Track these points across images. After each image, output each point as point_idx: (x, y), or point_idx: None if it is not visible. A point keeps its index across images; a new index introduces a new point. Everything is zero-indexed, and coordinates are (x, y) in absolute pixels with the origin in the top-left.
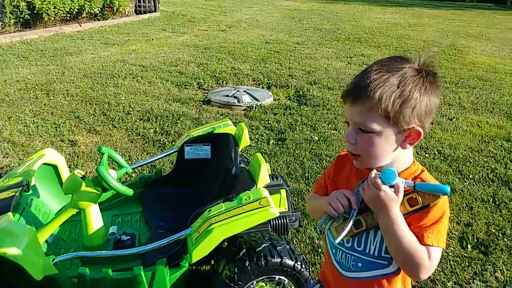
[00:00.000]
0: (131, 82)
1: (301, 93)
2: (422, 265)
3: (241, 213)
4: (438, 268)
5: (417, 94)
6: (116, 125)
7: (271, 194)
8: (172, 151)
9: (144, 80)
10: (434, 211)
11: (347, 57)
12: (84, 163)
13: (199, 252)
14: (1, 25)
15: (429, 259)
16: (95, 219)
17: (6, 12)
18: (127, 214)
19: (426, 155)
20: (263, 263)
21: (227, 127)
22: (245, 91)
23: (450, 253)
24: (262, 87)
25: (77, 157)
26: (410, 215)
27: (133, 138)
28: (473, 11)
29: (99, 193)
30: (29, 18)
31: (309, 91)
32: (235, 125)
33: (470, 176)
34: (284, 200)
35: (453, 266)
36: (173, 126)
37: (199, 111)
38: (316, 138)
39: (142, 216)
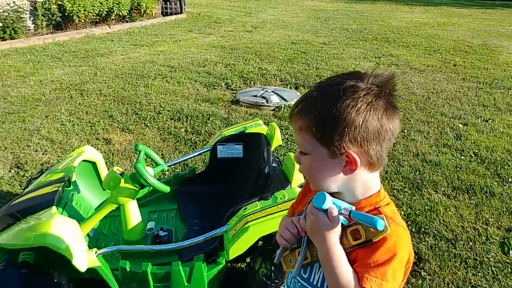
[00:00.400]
0: (161, 83)
1: None
2: None
3: (277, 212)
4: (480, 274)
5: (354, 116)
6: (148, 124)
7: None
8: (205, 150)
9: (173, 81)
10: (381, 250)
11: (376, 57)
12: (119, 160)
13: (235, 249)
14: (34, 27)
15: None
16: (134, 214)
17: (38, 14)
18: (163, 211)
19: (462, 157)
20: None
21: (258, 127)
22: (273, 91)
23: (491, 259)
24: (290, 88)
25: (112, 155)
26: (354, 249)
27: (165, 137)
28: (504, 10)
29: (137, 189)
30: (61, 20)
31: None
32: (266, 125)
33: (510, 180)
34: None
35: (495, 272)
36: (203, 126)
37: (228, 111)
38: None
39: (177, 213)
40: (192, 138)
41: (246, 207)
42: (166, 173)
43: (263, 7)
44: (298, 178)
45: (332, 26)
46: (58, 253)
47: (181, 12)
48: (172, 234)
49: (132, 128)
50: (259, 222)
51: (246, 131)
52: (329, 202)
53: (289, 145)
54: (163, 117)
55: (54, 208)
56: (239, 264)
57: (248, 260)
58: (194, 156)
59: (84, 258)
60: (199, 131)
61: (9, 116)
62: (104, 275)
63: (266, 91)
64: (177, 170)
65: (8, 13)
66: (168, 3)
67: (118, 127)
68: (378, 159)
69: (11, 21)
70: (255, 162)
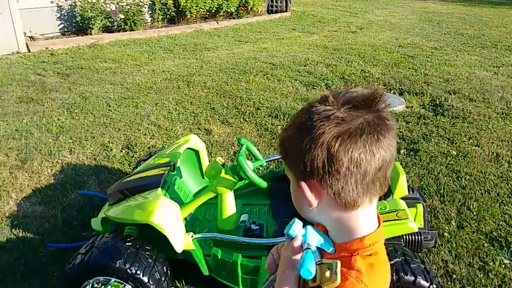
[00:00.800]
0: (262, 79)
1: (437, 102)
2: None
3: (389, 220)
4: None
5: (315, 146)
6: (247, 119)
7: (407, 207)
8: None
9: (274, 78)
10: None
11: (494, 67)
12: (217, 151)
13: None
14: (151, 20)
15: None
16: (230, 205)
17: (156, 9)
18: (256, 205)
19: None
20: (394, 278)
21: None
22: None
23: None
24: (394, 93)
25: (211, 145)
26: None
27: (261, 133)
28: None
29: (235, 181)
30: (175, 15)
31: (447, 101)
32: None
33: None
34: (420, 215)
35: None
36: None
37: None
38: (454, 152)
39: (269, 209)
40: None
41: None
42: (260, 168)
43: (370, 8)
44: (401, 190)
45: (445, 30)
46: (159, 232)
47: (286, 10)
48: (263, 229)
49: (231, 121)
50: None
51: None
52: (297, 230)
53: None
54: (261, 113)
55: (159, 189)
56: None
57: None
58: None
59: (181, 240)
60: None
61: (124, 101)
62: (197, 259)
63: None
64: (271, 166)
65: (131, 7)
66: (274, 1)
67: (218, 119)
68: (344, 198)
69: (132, 14)
70: None
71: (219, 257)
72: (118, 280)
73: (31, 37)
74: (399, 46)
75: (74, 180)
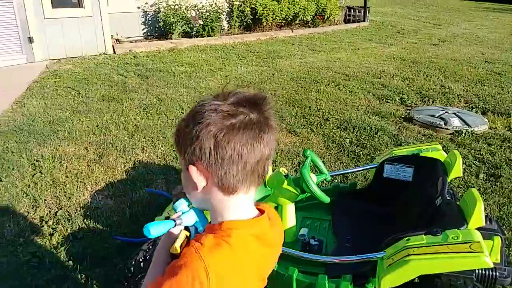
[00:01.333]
0: (333, 90)
1: None
2: None
3: (446, 252)
4: None
5: (203, 134)
6: (314, 130)
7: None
8: (371, 166)
9: (346, 89)
10: (170, 265)
11: None
12: (281, 160)
13: (389, 281)
14: (228, 27)
15: None
16: (290, 217)
17: (233, 16)
18: (316, 219)
19: None
20: None
21: (435, 152)
22: (454, 113)
23: None
24: (476, 112)
25: (276, 154)
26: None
27: (328, 145)
28: None
29: (297, 193)
30: (251, 22)
31: None
32: (446, 151)
33: None
34: (497, 249)
35: None
36: (370, 140)
37: (399, 128)
38: None
39: (330, 225)
40: (356, 151)
41: (410, 238)
42: (325, 182)
43: (455, 20)
44: (477, 219)
45: None
46: None
47: (364, 20)
48: (322, 245)
49: (298, 131)
50: (422, 259)
51: (421, 154)
52: (180, 207)
53: (465, 177)
54: (330, 125)
55: None
56: None
57: None
58: (359, 171)
59: None
60: (365, 145)
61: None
62: None
63: (446, 112)
64: (336, 181)
65: (210, 13)
66: (352, 10)
67: (286, 128)
68: (225, 183)
69: (211, 20)
70: (425, 190)
71: (275, 269)
72: None
73: (117, 40)
74: (485, 62)
75: (143, 177)
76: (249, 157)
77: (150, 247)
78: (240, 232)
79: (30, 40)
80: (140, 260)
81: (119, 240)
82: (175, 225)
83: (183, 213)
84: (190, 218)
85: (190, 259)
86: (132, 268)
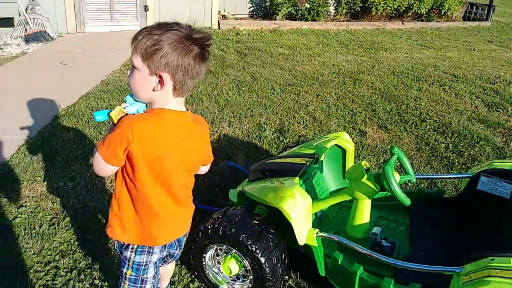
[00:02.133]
0: (437, 90)
1: None
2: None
3: None
4: None
5: (169, 49)
6: (408, 129)
7: None
8: (466, 175)
9: (451, 91)
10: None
11: None
12: (366, 155)
13: None
14: (334, 13)
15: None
16: (364, 213)
17: (342, 2)
18: (392, 221)
19: None
20: None
21: None
22: None
23: None
24: None
25: (362, 148)
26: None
27: (420, 147)
28: None
29: (376, 190)
30: (359, 10)
31: None
32: None
33: None
34: None
35: None
36: (469, 148)
37: (506, 140)
38: None
39: (407, 230)
40: (451, 158)
41: (494, 258)
42: (409, 184)
43: None
44: None
45: None
46: (286, 220)
47: (486, 20)
48: (394, 248)
49: (390, 127)
50: (504, 282)
51: None
52: (129, 100)
53: None
54: (426, 126)
55: (297, 178)
56: None
57: None
58: (450, 178)
59: (305, 233)
60: (462, 153)
61: (288, 87)
62: (317, 257)
63: None
64: (422, 185)
65: None
66: (474, 7)
67: (377, 123)
68: (181, 87)
69: (318, 4)
70: None
71: (339, 262)
72: (238, 253)
73: (223, 16)
74: None
75: (226, 150)
76: (198, 74)
77: (220, 216)
78: (166, 115)
79: (146, 8)
80: (209, 227)
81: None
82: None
83: (131, 104)
84: (138, 106)
85: (124, 123)
86: (200, 234)
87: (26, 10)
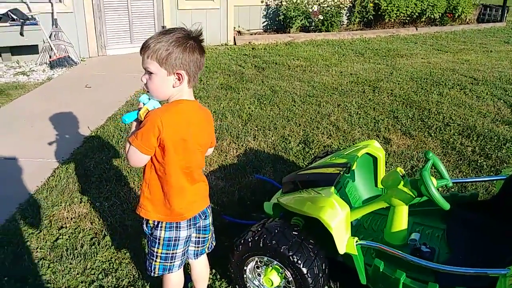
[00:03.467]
0: (457, 93)
1: None
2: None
3: None
4: None
5: (178, 50)
6: (432, 134)
7: None
8: (499, 177)
9: (472, 94)
10: (143, 123)
11: None
12: (393, 162)
13: None
14: (347, 23)
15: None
16: (402, 219)
17: (354, 11)
18: (429, 227)
19: None
20: None
21: None
22: None
23: None
24: None
25: (388, 155)
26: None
27: (447, 151)
28: None
29: (414, 196)
30: (372, 18)
31: None
32: None
33: None
34: None
35: None
36: (496, 150)
37: None
38: None
39: (444, 234)
40: (479, 161)
41: None
42: (444, 189)
43: None
44: None
45: None
46: (324, 229)
47: (501, 21)
48: (434, 254)
49: (414, 133)
50: None
51: None
52: (143, 99)
53: None
54: (450, 130)
55: (332, 188)
56: None
57: None
58: (483, 181)
59: (345, 242)
60: (489, 155)
61: (308, 99)
62: (357, 265)
63: None
64: (454, 189)
65: (331, 8)
66: (488, 9)
67: (400, 129)
68: (194, 79)
69: (331, 15)
70: None
71: (381, 270)
72: (280, 264)
73: (238, 32)
74: None
75: (253, 164)
76: (202, 65)
77: (260, 228)
78: (183, 104)
79: (163, 28)
80: (249, 240)
81: (226, 220)
82: (139, 110)
83: (145, 103)
84: (151, 104)
85: (152, 116)
86: (240, 246)
87: (50, 36)
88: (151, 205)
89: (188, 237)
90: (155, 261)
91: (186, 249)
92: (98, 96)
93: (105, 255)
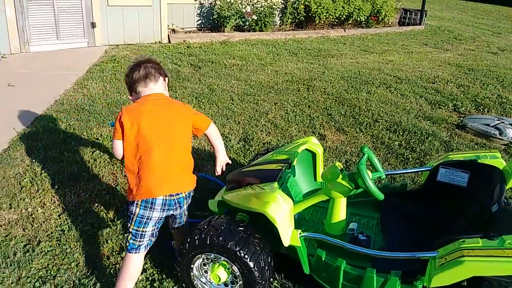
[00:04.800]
0: (384, 92)
1: None
2: None
3: (502, 256)
4: None
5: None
6: (363, 130)
7: None
8: (425, 168)
9: (397, 92)
10: None
11: None
12: (329, 158)
13: (440, 279)
14: (280, 23)
15: None
16: (341, 211)
17: (286, 12)
18: (364, 216)
19: None
20: None
21: (494, 160)
22: (511, 124)
23: None
24: None
25: (324, 150)
26: None
27: (377, 146)
28: None
29: (351, 188)
30: (303, 19)
31: None
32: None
33: None
34: None
35: None
36: (420, 144)
37: (451, 134)
38: None
39: (378, 223)
40: (405, 154)
41: (465, 240)
42: (377, 181)
43: None
44: None
45: None
46: (269, 223)
47: (420, 24)
48: (370, 241)
49: (347, 129)
50: (477, 260)
51: (479, 161)
52: None
53: None
54: (379, 126)
55: (276, 183)
56: None
57: None
58: (412, 172)
59: (289, 235)
60: (414, 148)
61: (246, 97)
62: (301, 257)
63: (502, 122)
64: (385, 181)
65: (264, 9)
66: (408, 13)
67: (334, 126)
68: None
69: (264, 15)
70: (480, 197)
71: (323, 259)
72: (227, 260)
73: (172, 30)
74: None
75: (195, 162)
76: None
77: (206, 226)
78: (144, 97)
79: (93, 25)
80: (196, 238)
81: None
82: None
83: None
84: None
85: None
86: (187, 245)
87: None
88: (129, 188)
89: (160, 219)
90: (128, 236)
91: (156, 231)
92: (23, 95)
93: (41, 262)
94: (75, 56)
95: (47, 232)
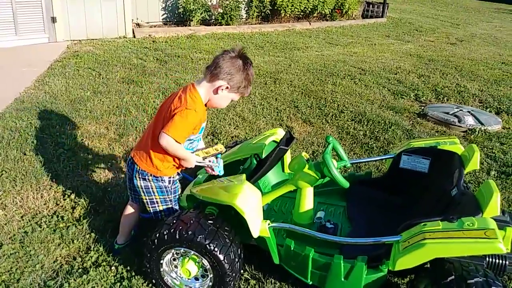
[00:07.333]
0: (349, 83)
1: None
2: None
3: (461, 238)
4: None
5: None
6: (329, 121)
7: None
8: (388, 156)
9: (361, 83)
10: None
11: None
12: (296, 149)
13: (404, 262)
14: (246, 17)
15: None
16: (308, 200)
17: (252, 6)
18: (331, 205)
19: None
20: None
21: (453, 145)
22: (469, 111)
23: None
24: (490, 111)
25: None
26: None
27: (342, 136)
28: None
29: (317, 177)
30: (269, 13)
31: None
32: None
33: None
34: (508, 239)
35: None
36: (383, 133)
37: (413, 123)
38: None
39: (345, 211)
40: (370, 143)
41: (426, 223)
42: (342, 169)
43: (473, 20)
44: (493, 209)
45: None
46: (238, 216)
47: (382, 16)
48: (337, 228)
49: (313, 121)
50: (438, 243)
51: (438, 147)
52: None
53: (477, 174)
54: (344, 117)
55: (244, 175)
56: (397, 279)
57: (407, 278)
58: (376, 160)
59: (258, 226)
60: (378, 137)
61: None
62: (271, 247)
63: (460, 110)
64: (350, 170)
65: (229, 2)
66: (370, 6)
67: (301, 117)
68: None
69: (230, 9)
70: (440, 181)
71: (292, 248)
72: (197, 253)
73: (137, 24)
74: (502, 63)
75: None
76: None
77: (174, 221)
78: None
79: (53, 20)
80: (165, 233)
81: (144, 218)
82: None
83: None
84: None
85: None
86: (156, 241)
87: None
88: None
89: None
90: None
91: None
92: None
93: (4, 266)
94: (36, 52)
95: (9, 234)
